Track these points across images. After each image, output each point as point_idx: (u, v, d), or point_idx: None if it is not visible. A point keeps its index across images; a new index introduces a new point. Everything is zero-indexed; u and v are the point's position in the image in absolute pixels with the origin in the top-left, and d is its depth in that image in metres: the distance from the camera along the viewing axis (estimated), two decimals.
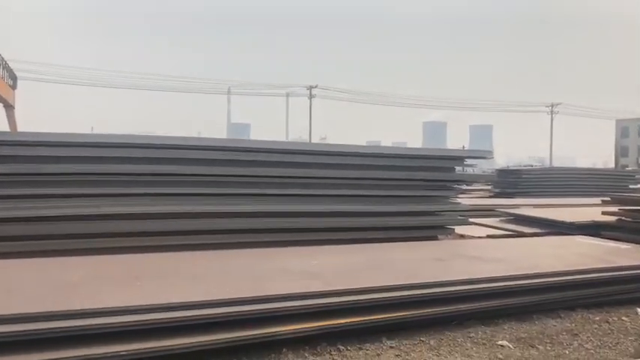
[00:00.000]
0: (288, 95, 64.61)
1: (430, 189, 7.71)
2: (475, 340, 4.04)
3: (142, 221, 6.04)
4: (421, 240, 7.39)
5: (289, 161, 6.50)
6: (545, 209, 10.69)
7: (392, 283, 4.14)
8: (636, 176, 25.87)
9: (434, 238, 7.89)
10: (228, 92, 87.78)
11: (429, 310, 4.20)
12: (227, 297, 3.71)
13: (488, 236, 8.93)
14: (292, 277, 4.46)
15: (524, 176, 19.99)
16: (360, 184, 7.07)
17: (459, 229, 9.13)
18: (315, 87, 50.24)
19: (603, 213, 8.03)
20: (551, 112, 63.32)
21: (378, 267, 4.93)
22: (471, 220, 10.41)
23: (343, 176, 7.00)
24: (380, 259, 5.37)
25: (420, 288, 4.18)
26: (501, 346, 3.94)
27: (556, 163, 70.80)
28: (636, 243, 6.78)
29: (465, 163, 7.93)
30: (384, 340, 3.95)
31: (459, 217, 7.94)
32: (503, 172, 22.07)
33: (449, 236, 8.46)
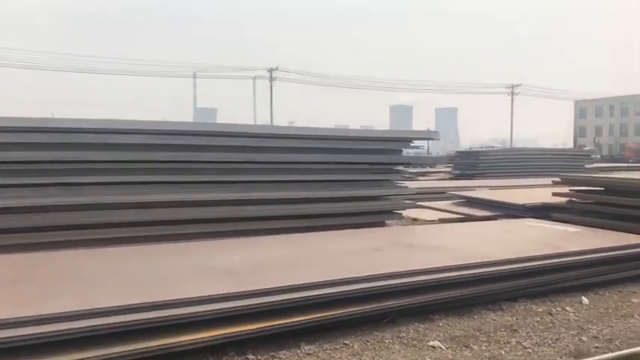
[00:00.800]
0: (255, 79, 63.31)
1: (376, 172, 7.28)
2: (405, 341, 3.63)
3: (42, 214, 5.37)
4: (367, 226, 6.99)
5: (212, 144, 5.87)
6: (499, 191, 10.46)
7: (311, 281, 3.68)
8: (592, 155, 26.37)
9: (381, 224, 7.51)
10: (194, 76, 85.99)
11: (356, 309, 3.77)
12: (116, 304, 3.18)
13: (440, 220, 8.64)
14: (206, 276, 3.97)
15: (482, 158, 19.91)
16: (300, 168, 6.55)
17: (411, 213, 8.79)
18: (276, 69, 49.08)
19: (553, 194, 7.79)
20: (512, 93, 64.13)
21: (306, 260, 4.47)
22: (427, 203, 10.14)
23: (282, 160, 6.46)
24: (311, 250, 4.92)
25: (344, 284, 3.74)
26: (432, 347, 3.54)
27: (518, 144, 72.03)
28: (585, 225, 6.54)
29: (411, 144, 7.49)
30: (302, 345, 3.51)
31: (406, 202, 7.56)
32: (463, 154, 22.03)
33: (401, 220, 8.10)
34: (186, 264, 4.36)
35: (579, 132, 78.84)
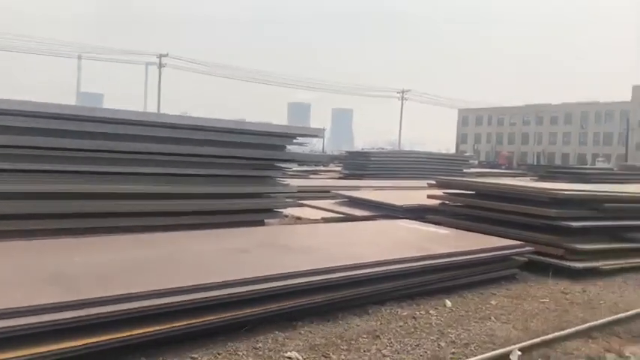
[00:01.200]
0: (147, 65, 60.03)
1: (255, 168, 6.93)
2: (260, 353, 3.34)
3: None
4: (245, 225, 6.63)
5: (61, 129, 5.10)
6: (380, 192, 10.64)
7: (156, 287, 3.25)
8: (470, 161, 28.35)
9: (260, 222, 7.19)
10: (79, 58, 79.93)
11: (208, 319, 3.41)
12: None
13: (323, 219, 8.54)
14: (31, 281, 3.37)
15: (372, 159, 20.43)
16: (165, 160, 5.97)
17: (295, 212, 8.60)
18: (166, 55, 46.66)
19: (428, 197, 7.99)
20: (402, 98, 67.37)
21: (158, 264, 4.01)
22: (311, 202, 10.01)
23: (149, 151, 5.86)
24: (170, 252, 4.45)
25: (191, 292, 3.35)
26: (289, 358, 3.28)
27: (407, 147, 75.92)
28: (456, 227, 6.73)
29: (294, 141, 7.25)
30: None
31: (288, 200, 7.31)
32: (353, 154, 22.50)
33: (284, 219, 7.85)
34: (14, 266, 3.71)
35: (461, 138, 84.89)
